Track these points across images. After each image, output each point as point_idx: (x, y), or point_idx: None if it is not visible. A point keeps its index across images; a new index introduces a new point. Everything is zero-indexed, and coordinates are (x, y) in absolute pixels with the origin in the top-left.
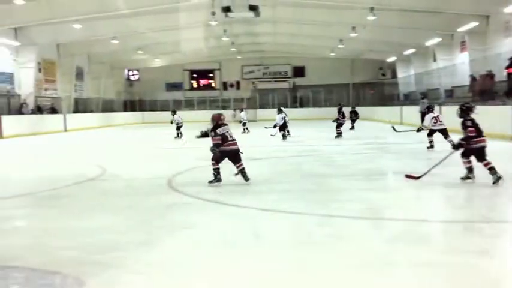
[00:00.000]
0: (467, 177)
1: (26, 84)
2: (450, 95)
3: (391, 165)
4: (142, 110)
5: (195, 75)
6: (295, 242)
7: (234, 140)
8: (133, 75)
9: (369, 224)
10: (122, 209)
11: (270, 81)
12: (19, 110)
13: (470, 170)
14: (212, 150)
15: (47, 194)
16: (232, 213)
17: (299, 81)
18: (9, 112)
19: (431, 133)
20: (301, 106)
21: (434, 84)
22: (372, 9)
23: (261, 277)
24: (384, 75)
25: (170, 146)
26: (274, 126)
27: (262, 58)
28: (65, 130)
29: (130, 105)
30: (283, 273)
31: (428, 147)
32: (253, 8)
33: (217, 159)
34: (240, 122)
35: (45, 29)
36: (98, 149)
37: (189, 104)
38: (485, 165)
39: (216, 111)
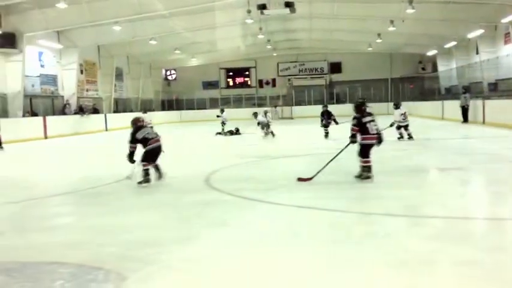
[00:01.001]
0: (360, 175)
1: (68, 86)
2: (494, 88)
3: (432, 161)
4: (179, 108)
5: (231, 74)
6: (332, 239)
7: (157, 137)
8: (170, 74)
9: (409, 221)
10: (161, 207)
11: (306, 77)
12: (62, 111)
13: (368, 169)
14: (129, 159)
15: (89, 192)
16: (270, 210)
17: (336, 77)
18: (53, 113)
19: (399, 127)
20: (338, 102)
21: (477, 77)
22: (411, 1)
23: (298, 275)
24: (423, 69)
25: (207, 144)
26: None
27: (298, 55)
28: (106, 130)
29: (168, 104)
30: (321, 271)
31: (399, 138)
32: (289, 5)
33: (147, 160)
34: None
35: (87, 31)
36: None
37: (225, 102)
38: (365, 162)
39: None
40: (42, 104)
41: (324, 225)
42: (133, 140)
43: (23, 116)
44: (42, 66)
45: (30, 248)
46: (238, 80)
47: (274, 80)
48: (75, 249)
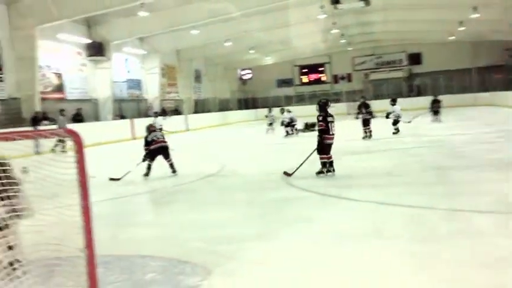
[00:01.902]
0: (321, 172)
1: (152, 89)
2: None
3: None
4: (255, 107)
5: (305, 70)
6: (417, 237)
7: (162, 139)
8: (245, 74)
9: (500, 218)
10: (241, 203)
11: (383, 71)
12: (146, 113)
13: (330, 164)
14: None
15: (174, 190)
16: (349, 207)
17: (415, 68)
18: (139, 115)
19: (395, 122)
20: (419, 95)
21: None
22: None
23: (381, 273)
24: None
25: (282, 142)
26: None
27: (374, 48)
28: (187, 130)
29: (244, 104)
30: (405, 269)
31: (394, 133)
32: None
33: (149, 157)
34: (282, 123)
35: (167, 37)
36: (216, 147)
37: (300, 99)
38: (327, 158)
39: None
40: (129, 107)
41: (408, 223)
42: (146, 143)
43: (113, 119)
44: (128, 72)
45: (124, 242)
46: (313, 76)
47: (349, 75)
48: (163, 243)
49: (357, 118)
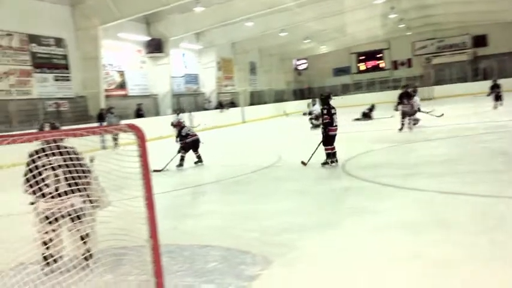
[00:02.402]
0: (326, 163)
1: (208, 83)
2: None
3: None
4: (311, 97)
5: (362, 58)
6: (482, 227)
7: (194, 133)
8: (301, 64)
9: None
10: (298, 194)
11: (445, 54)
12: (203, 107)
13: (333, 155)
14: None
15: (232, 181)
16: (410, 196)
17: (481, 51)
18: (197, 109)
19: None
20: (485, 78)
21: None
22: None
23: (444, 265)
24: None
25: (341, 131)
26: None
27: (435, 31)
28: (243, 122)
29: (299, 94)
30: (470, 261)
31: (414, 124)
32: None
33: (185, 151)
34: (309, 114)
35: (222, 30)
36: (272, 138)
37: (358, 87)
38: (331, 149)
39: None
40: (187, 101)
41: (472, 212)
42: (182, 137)
43: (172, 113)
44: (185, 66)
45: (186, 232)
46: (370, 63)
47: (409, 60)
48: (223, 233)
49: (396, 110)
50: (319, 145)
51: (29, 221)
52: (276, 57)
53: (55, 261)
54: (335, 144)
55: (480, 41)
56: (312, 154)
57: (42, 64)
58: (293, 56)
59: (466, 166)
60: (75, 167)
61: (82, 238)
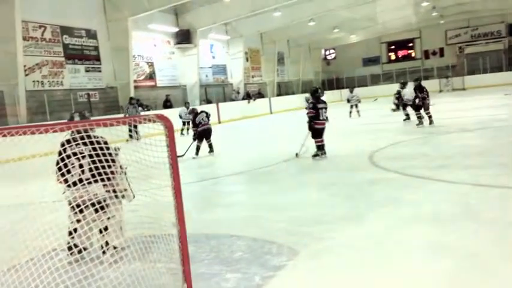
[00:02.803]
0: (317, 155)
1: (236, 74)
2: None
3: None
4: (339, 88)
5: (392, 47)
6: None
7: (208, 121)
8: (329, 54)
9: None
10: (326, 185)
11: (480, 43)
12: (231, 97)
13: (322, 147)
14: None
15: (259, 171)
16: (441, 189)
17: None
18: (224, 100)
19: (405, 106)
20: None
21: None
22: None
23: (475, 259)
24: None
25: (371, 122)
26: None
27: (469, 19)
28: (271, 112)
29: (328, 84)
30: (503, 255)
31: (404, 120)
32: None
33: (198, 138)
34: (348, 101)
35: (250, 21)
36: (300, 128)
37: (388, 78)
38: (320, 141)
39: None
40: (215, 92)
41: (506, 206)
42: (194, 124)
43: (200, 104)
44: (213, 57)
45: (213, 222)
46: (401, 53)
47: (441, 50)
48: (249, 223)
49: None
50: (306, 136)
51: (56, 209)
52: (304, 48)
53: (79, 251)
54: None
55: None
56: (302, 146)
57: (74, 55)
58: (322, 45)
59: (498, 158)
60: (101, 156)
61: (104, 229)
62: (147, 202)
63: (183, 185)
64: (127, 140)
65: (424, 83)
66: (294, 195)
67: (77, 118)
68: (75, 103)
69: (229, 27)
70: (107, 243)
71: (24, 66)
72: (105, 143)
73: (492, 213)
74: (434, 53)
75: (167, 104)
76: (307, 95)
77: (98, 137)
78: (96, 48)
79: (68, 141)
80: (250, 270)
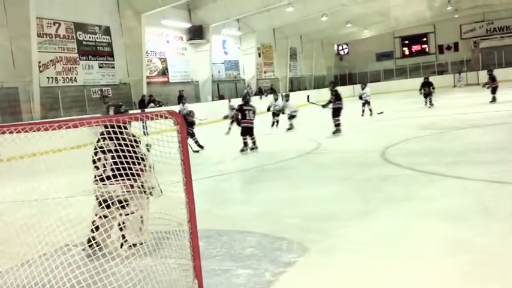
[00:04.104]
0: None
1: (248, 69)
2: None
3: None
4: (352, 83)
5: (406, 42)
6: None
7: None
8: (342, 49)
9: None
10: (338, 181)
11: (495, 37)
12: (243, 93)
13: (246, 144)
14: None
15: (272, 167)
16: (455, 185)
17: None
18: (237, 95)
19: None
20: None
21: None
22: None
23: (490, 255)
24: None
25: (383, 118)
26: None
27: (484, 13)
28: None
29: (340, 80)
30: None
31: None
32: None
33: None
34: (360, 98)
35: (262, 16)
36: (312, 124)
37: (401, 72)
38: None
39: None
40: (227, 87)
41: None
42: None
43: (212, 99)
44: (225, 53)
45: (224, 218)
46: (415, 47)
47: (456, 44)
48: (260, 220)
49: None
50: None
51: (69, 204)
52: (317, 43)
53: (97, 244)
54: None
55: None
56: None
57: (88, 52)
58: (334, 41)
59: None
60: (128, 153)
61: (123, 225)
62: (159, 198)
63: (195, 181)
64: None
65: (437, 78)
66: (305, 191)
67: (111, 112)
68: (88, 99)
69: (241, 22)
70: (125, 239)
71: (39, 62)
72: (132, 140)
73: (506, 210)
74: (448, 48)
75: (181, 100)
76: (272, 96)
77: (126, 133)
78: (110, 44)
79: (102, 133)
80: (260, 266)
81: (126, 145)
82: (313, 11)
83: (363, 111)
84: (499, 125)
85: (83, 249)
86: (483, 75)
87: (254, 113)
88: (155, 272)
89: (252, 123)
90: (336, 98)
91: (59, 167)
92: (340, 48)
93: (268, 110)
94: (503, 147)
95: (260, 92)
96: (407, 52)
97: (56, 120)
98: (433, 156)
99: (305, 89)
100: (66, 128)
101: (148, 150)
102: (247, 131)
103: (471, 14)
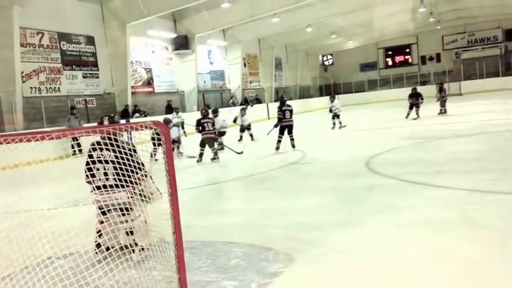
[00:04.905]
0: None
1: (234, 79)
2: None
3: None
4: (337, 93)
5: (389, 53)
6: (510, 226)
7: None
8: (327, 60)
9: None
10: (324, 191)
11: (476, 49)
12: (228, 103)
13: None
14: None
15: (256, 178)
16: (438, 194)
17: None
18: (222, 105)
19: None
20: None
21: None
22: None
23: (469, 263)
24: None
25: (367, 128)
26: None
27: (466, 25)
28: (268, 118)
29: (325, 90)
30: (496, 261)
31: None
32: None
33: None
34: (331, 111)
35: (248, 26)
36: (297, 134)
37: (385, 83)
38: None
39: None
40: (213, 98)
41: (500, 211)
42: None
43: (198, 109)
44: (211, 63)
45: (209, 229)
46: (398, 58)
47: (438, 55)
48: (247, 230)
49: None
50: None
51: (52, 216)
52: (302, 53)
53: (107, 248)
54: None
55: None
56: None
57: (72, 61)
58: (319, 51)
59: (494, 163)
60: (127, 161)
61: (129, 231)
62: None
63: (179, 191)
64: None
65: (419, 89)
66: (290, 201)
67: (106, 122)
68: (72, 109)
69: (227, 33)
70: (135, 243)
71: (22, 72)
72: (129, 149)
73: (488, 219)
74: (431, 59)
75: (168, 110)
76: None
77: (124, 143)
78: (94, 54)
79: (98, 143)
80: (246, 277)
81: (126, 153)
82: (298, 22)
83: (334, 124)
84: (480, 134)
85: (95, 253)
86: (465, 86)
87: (213, 124)
88: (139, 284)
89: (212, 133)
90: (283, 115)
91: (41, 179)
92: (325, 58)
93: (235, 121)
94: (484, 156)
95: (246, 102)
96: (390, 63)
97: (39, 131)
98: (416, 165)
99: (290, 99)
100: (50, 139)
101: (152, 156)
102: (208, 142)
103: (453, 26)
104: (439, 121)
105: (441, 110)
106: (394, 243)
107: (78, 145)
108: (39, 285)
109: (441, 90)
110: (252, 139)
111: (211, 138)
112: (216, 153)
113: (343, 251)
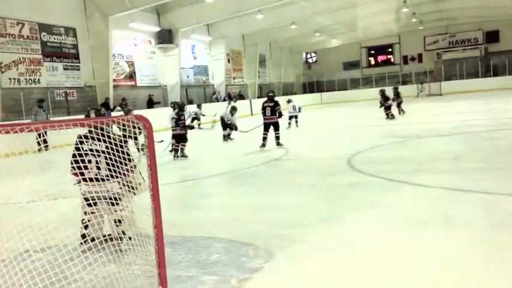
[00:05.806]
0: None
1: (218, 75)
2: None
3: None
4: (320, 91)
5: (372, 52)
6: (490, 225)
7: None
8: (311, 57)
9: None
10: (306, 188)
11: (457, 50)
12: (211, 98)
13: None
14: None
15: (239, 173)
16: (417, 193)
17: (492, 47)
18: (205, 100)
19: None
20: (495, 75)
21: None
22: None
23: (447, 261)
24: None
25: (350, 125)
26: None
27: (447, 26)
28: (251, 114)
29: (309, 87)
30: (473, 258)
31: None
32: None
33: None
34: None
35: (232, 22)
36: (280, 131)
37: (367, 82)
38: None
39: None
40: (196, 93)
41: (479, 210)
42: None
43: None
44: (195, 58)
45: (190, 223)
46: (381, 58)
47: (420, 55)
48: (228, 226)
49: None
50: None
51: (29, 210)
52: (286, 50)
53: (92, 239)
54: None
55: (492, 36)
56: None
57: (52, 53)
58: (303, 49)
59: (474, 163)
60: (117, 153)
61: (117, 221)
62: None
63: (161, 186)
64: (39, 150)
65: (401, 88)
66: (272, 197)
67: (92, 115)
68: (52, 101)
69: (211, 28)
70: (123, 233)
71: (1, 63)
72: (120, 140)
73: (465, 217)
74: (412, 59)
75: (150, 105)
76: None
77: (113, 134)
78: (75, 46)
79: (86, 137)
80: (226, 272)
81: (116, 145)
82: (283, 19)
83: (289, 123)
84: (459, 134)
85: (80, 244)
86: (445, 86)
87: (178, 120)
88: (118, 279)
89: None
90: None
91: (19, 172)
92: (308, 56)
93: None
94: (463, 155)
95: (229, 98)
96: (373, 62)
97: (18, 123)
98: (397, 164)
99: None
100: (29, 131)
101: (142, 149)
102: (178, 138)
103: (435, 27)
104: (419, 120)
105: (399, 111)
106: (373, 241)
107: (45, 141)
108: (16, 279)
109: (397, 94)
110: (226, 140)
111: (180, 134)
112: (181, 150)
113: (323, 248)
